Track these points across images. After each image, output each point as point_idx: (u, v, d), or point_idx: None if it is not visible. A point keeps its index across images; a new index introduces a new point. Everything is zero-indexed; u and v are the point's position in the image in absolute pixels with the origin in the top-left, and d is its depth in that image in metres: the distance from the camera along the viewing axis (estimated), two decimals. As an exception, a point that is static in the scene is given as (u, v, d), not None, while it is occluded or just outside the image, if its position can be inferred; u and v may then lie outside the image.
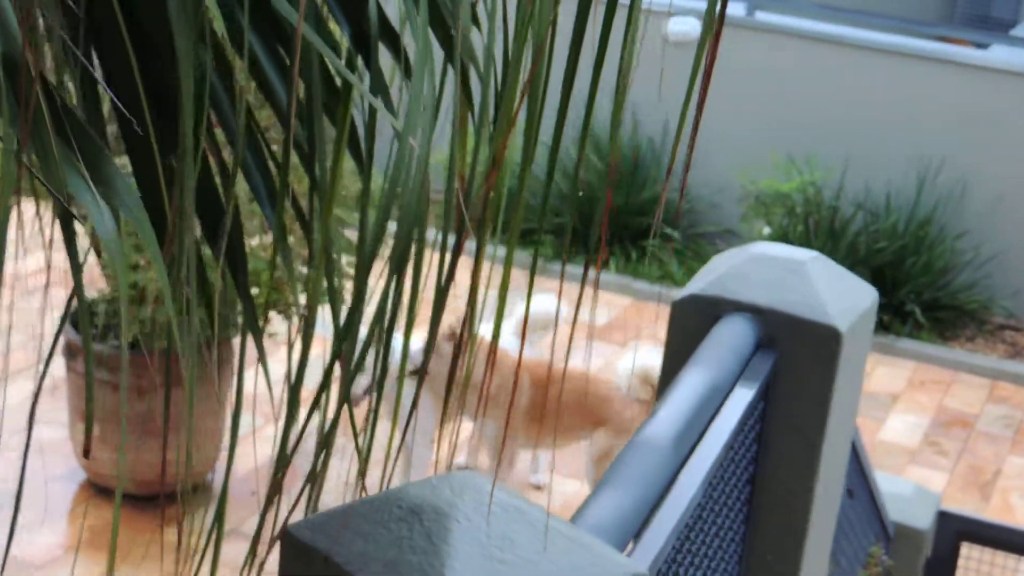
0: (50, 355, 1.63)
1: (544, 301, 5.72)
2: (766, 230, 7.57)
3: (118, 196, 1.08)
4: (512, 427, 5.33)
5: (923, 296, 7.55)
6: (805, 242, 7.50)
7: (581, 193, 8.13)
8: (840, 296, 2.40)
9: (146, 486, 4.94)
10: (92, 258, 1.99)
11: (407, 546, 1.53)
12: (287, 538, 1.56)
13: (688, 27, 7.69)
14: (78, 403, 5.29)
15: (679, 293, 2.43)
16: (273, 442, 1.77)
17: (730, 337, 2.29)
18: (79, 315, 1.31)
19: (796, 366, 2.35)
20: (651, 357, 5.39)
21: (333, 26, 1.73)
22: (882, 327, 7.36)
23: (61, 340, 1.78)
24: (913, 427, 6.64)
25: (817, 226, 7.60)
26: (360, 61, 1.69)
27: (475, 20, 1.65)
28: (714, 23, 1.24)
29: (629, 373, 5.38)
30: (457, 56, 1.53)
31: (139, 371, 5.13)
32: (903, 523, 3.72)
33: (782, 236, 7.54)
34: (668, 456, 1.93)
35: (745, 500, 2.38)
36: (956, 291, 7.65)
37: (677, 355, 2.33)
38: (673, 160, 1.49)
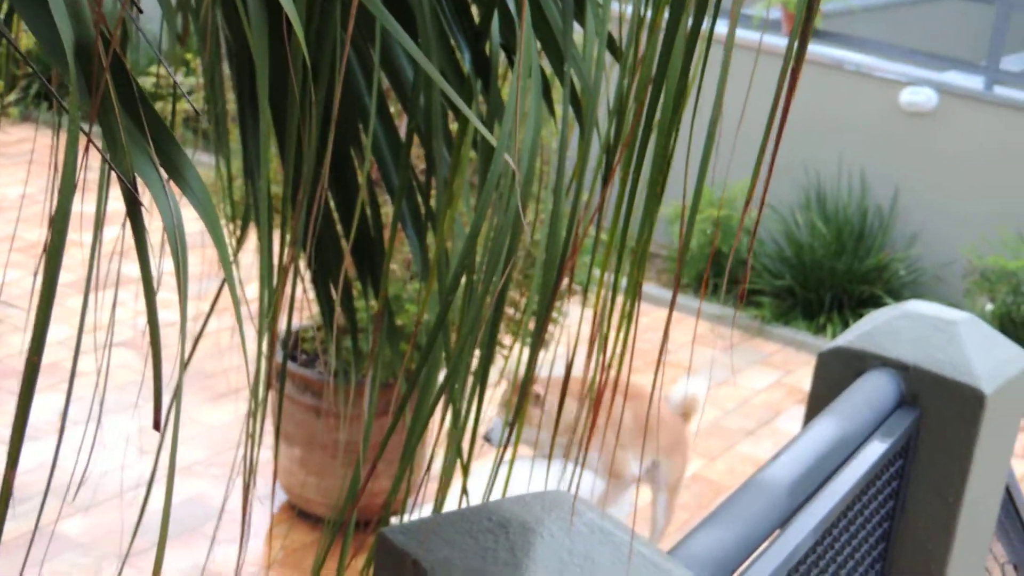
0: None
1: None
2: (989, 307, 7.41)
3: (187, 186, 1.14)
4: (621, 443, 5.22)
5: None
6: (1029, 321, 7.34)
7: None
8: (989, 359, 2.36)
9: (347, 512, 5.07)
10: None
11: (490, 557, 1.57)
12: (380, 540, 1.61)
13: (923, 98, 7.59)
14: (284, 425, 5.45)
15: (827, 345, 2.42)
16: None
17: (870, 391, 2.28)
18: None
19: (938, 425, 2.32)
20: (699, 386, 5.39)
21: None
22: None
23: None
24: None
25: (1043, 306, 7.42)
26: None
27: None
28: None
29: (679, 399, 5.36)
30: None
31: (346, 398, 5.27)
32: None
33: (1005, 314, 7.37)
34: (781, 500, 1.93)
35: (879, 556, 2.35)
36: None
37: (818, 406, 2.33)
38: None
